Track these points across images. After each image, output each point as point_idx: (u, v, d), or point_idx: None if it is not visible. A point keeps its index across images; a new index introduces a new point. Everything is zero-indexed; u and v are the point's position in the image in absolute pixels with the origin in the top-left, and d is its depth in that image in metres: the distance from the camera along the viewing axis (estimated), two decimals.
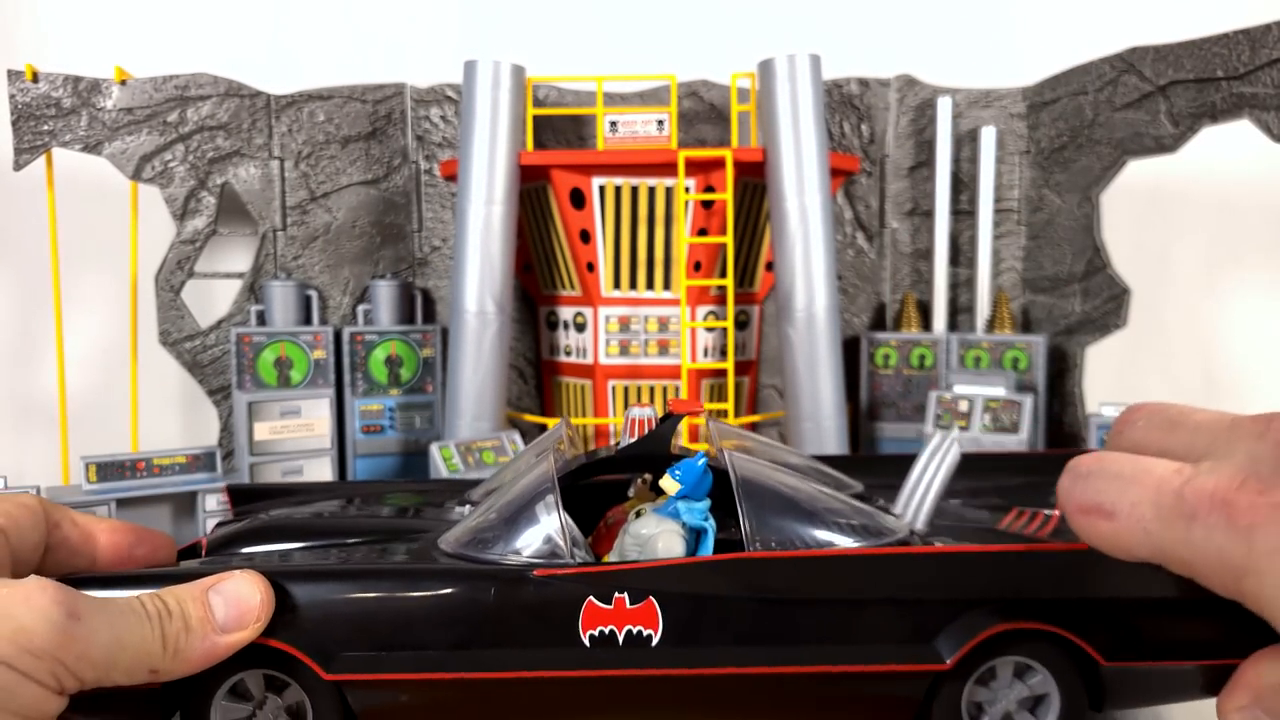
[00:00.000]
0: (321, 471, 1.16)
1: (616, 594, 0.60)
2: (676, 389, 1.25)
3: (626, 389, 1.26)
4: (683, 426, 0.78)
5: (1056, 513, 0.76)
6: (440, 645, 0.60)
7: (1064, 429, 1.31)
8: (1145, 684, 0.62)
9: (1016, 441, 1.19)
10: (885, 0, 1.49)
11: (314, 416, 1.17)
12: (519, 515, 0.64)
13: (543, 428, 1.33)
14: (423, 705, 0.61)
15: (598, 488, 0.77)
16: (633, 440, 0.78)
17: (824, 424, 1.17)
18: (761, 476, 0.67)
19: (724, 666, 0.60)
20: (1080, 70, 1.28)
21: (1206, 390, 1.49)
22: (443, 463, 1.08)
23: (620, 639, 0.60)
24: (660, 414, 0.79)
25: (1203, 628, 0.61)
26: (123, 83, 1.24)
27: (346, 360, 1.25)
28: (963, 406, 1.20)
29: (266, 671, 0.60)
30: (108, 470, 1.03)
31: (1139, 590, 0.61)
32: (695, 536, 0.66)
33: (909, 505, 0.70)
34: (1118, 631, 0.61)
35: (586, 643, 0.60)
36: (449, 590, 0.60)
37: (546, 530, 0.62)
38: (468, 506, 0.78)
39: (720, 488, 0.67)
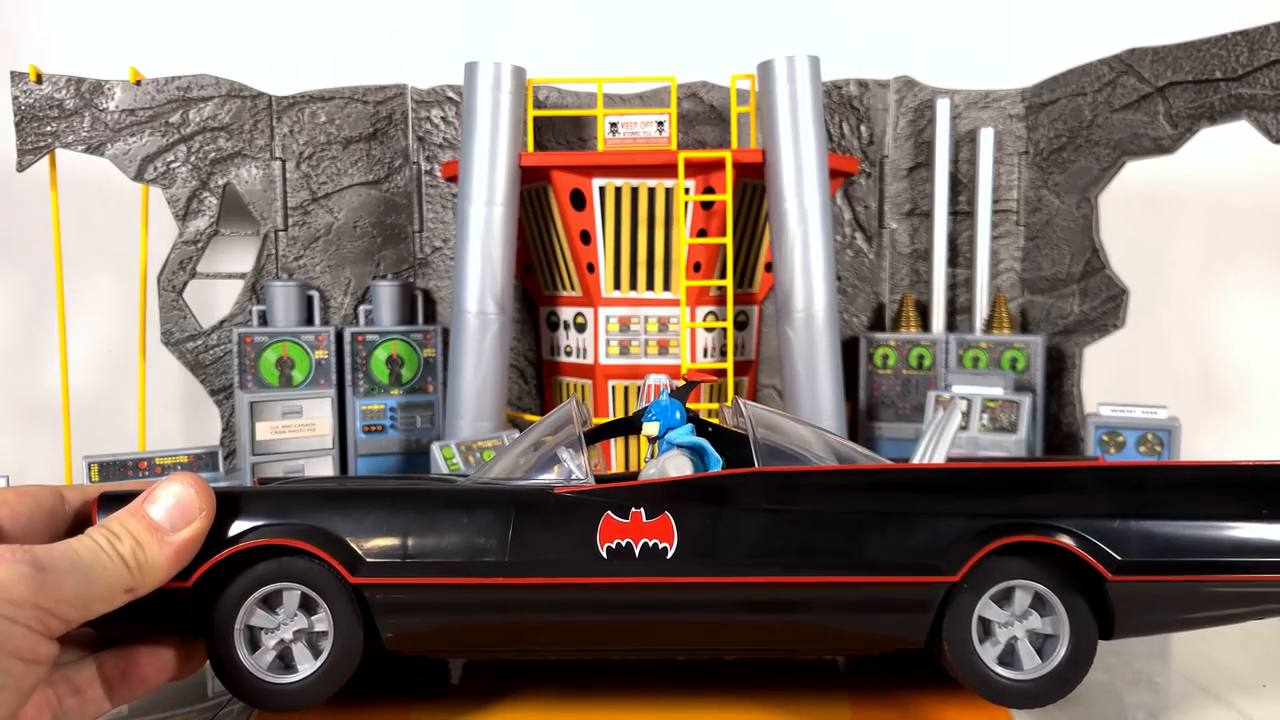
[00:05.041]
0: (323, 471, 1.17)
1: (633, 509, 0.62)
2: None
3: (627, 389, 1.27)
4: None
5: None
6: (463, 557, 0.61)
7: (1062, 429, 1.32)
8: (1154, 603, 0.62)
9: (1015, 441, 1.19)
10: (884, 2, 1.50)
11: (315, 416, 1.18)
12: (541, 447, 0.67)
13: None
14: (444, 623, 0.62)
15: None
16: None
17: (823, 423, 1.18)
18: (772, 414, 0.71)
19: (738, 576, 0.61)
20: (1079, 71, 1.28)
21: (1204, 390, 1.50)
22: (444, 462, 1.08)
23: (637, 551, 0.61)
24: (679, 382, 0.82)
25: (1213, 544, 0.61)
26: (137, 83, 1.24)
27: (348, 360, 1.26)
28: (961, 407, 1.20)
29: (289, 586, 0.61)
30: (110, 470, 1.04)
31: (1145, 507, 0.62)
32: (700, 458, 0.69)
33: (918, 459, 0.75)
34: (1122, 547, 0.61)
35: (604, 555, 0.61)
36: (473, 508, 0.62)
37: (566, 458, 0.65)
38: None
39: (729, 449, 0.69)
